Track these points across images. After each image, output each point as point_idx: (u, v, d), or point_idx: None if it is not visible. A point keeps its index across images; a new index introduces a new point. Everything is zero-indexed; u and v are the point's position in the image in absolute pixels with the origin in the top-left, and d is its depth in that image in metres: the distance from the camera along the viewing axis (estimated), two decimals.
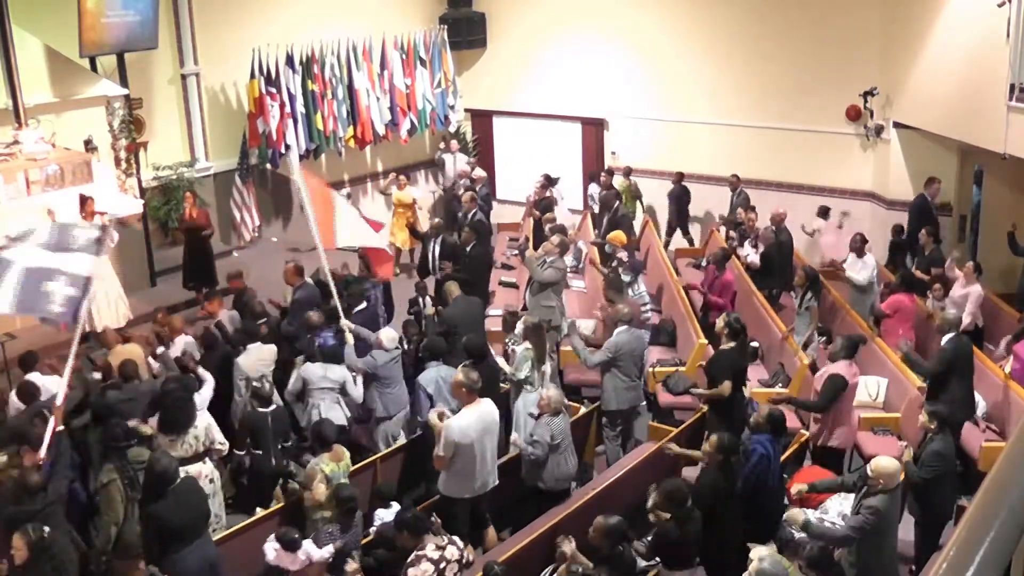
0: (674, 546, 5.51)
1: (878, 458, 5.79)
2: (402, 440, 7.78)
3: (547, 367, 8.01)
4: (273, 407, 7.27)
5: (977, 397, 7.84)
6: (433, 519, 5.77)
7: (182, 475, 6.07)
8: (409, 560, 5.42)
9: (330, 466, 6.43)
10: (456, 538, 5.63)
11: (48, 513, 5.69)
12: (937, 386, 7.49)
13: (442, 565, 5.38)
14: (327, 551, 5.90)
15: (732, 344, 7.51)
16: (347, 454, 6.70)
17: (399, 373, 7.91)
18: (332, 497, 6.20)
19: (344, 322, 8.15)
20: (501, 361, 8.04)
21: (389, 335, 7.93)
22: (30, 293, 6.35)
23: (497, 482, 6.75)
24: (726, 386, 7.30)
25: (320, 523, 6.21)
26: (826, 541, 5.78)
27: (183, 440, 6.70)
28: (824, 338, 9.21)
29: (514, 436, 7.27)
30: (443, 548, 5.43)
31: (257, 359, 7.94)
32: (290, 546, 5.87)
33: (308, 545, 5.91)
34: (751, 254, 10.95)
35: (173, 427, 6.72)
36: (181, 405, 6.83)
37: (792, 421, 7.54)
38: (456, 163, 14.77)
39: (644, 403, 9.31)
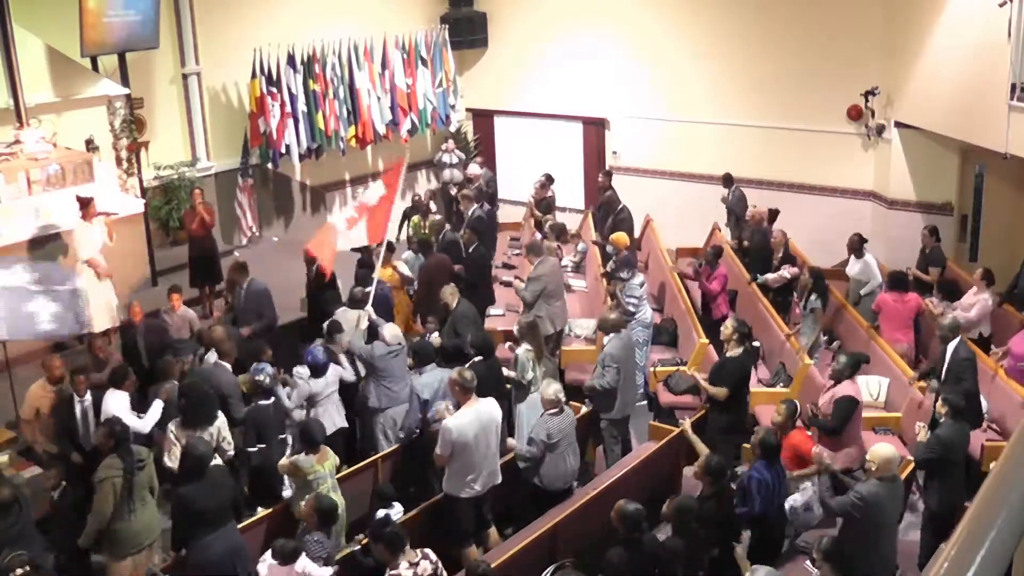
0: (680, 561, 5.49)
1: (877, 445, 5.82)
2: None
3: (541, 368, 8.03)
4: (273, 399, 7.28)
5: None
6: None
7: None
8: None
9: (315, 467, 6.38)
10: (429, 551, 5.50)
11: (22, 526, 5.66)
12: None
13: None
14: (327, 572, 5.73)
15: (739, 350, 7.50)
16: (331, 454, 6.61)
17: (399, 370, 7.90)
18: (314, 508, 6.03)
19: (368, 308, 8.42)
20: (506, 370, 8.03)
21: (392, 331, 7.95)
22: (15, 315, 6.50)
23: (500, 480, 6.74)
24: (722, 391, 7.32)
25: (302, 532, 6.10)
26: (821, 501, 5.82)
27: (201, 436, 6.75)
28: (827, 338, 9.21)
29: (511, 442, 7.20)
30: (416, 564, 5.32)
31: (344, 321, 8.20)
32: (290, 557, 5.64)
33: (305, 561, 5.68)
34: (784, 271, 10.62)
35: (196, 421, 6.80)
36: (204, 400, 6.91)
37: None
38: (452, 161, 14.83)
39: (645, 402, 9.35)
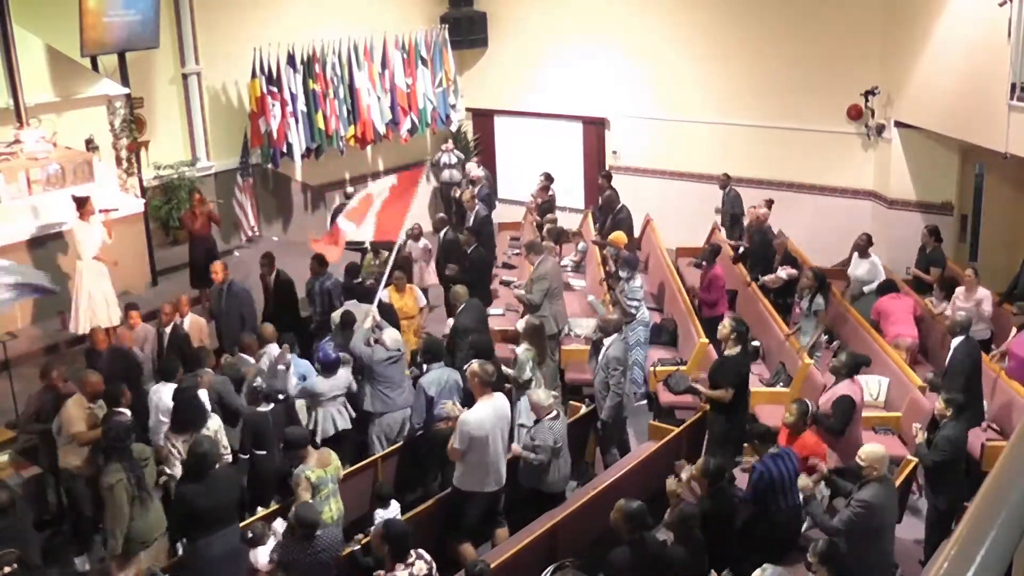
0: (683, 569, 5.47)
1: (866, 445, 5.80)
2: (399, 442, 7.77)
3: (543, 369, 8.03)
4: (272, 405, 7.25)
5: None
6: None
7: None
8: None
9: (316, 473, 6.29)
10: (423, 551, 5.51)
11: (16, 531, 5.61)
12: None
13: None
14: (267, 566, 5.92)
15: (737, 349, 7.48)
16: (334, 458, 6.53)
17: (399, 376, 7.85)
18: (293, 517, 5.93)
19: (372, 308, 8.19)
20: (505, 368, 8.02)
21: (392, 336, 7.92)
22: None
23: (505, 479, 6.72)
24: (727, 393, 7.30)
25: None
26: (820, 526, 5.79)
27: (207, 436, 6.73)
28: (827, 337, 9.20)
29: (515, 447, 7.14)
30: (411, 565, 5.36)
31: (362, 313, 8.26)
32: (252, 543, 6.00)
33: (260, 552, 5.92)
34: (781, 272, 10.57)
35: (185, 426, 6.75)
36: (194, 405, 6.87)
37: None
38: (451, 161, 14.84)
39: (644, 402, 9.35)
